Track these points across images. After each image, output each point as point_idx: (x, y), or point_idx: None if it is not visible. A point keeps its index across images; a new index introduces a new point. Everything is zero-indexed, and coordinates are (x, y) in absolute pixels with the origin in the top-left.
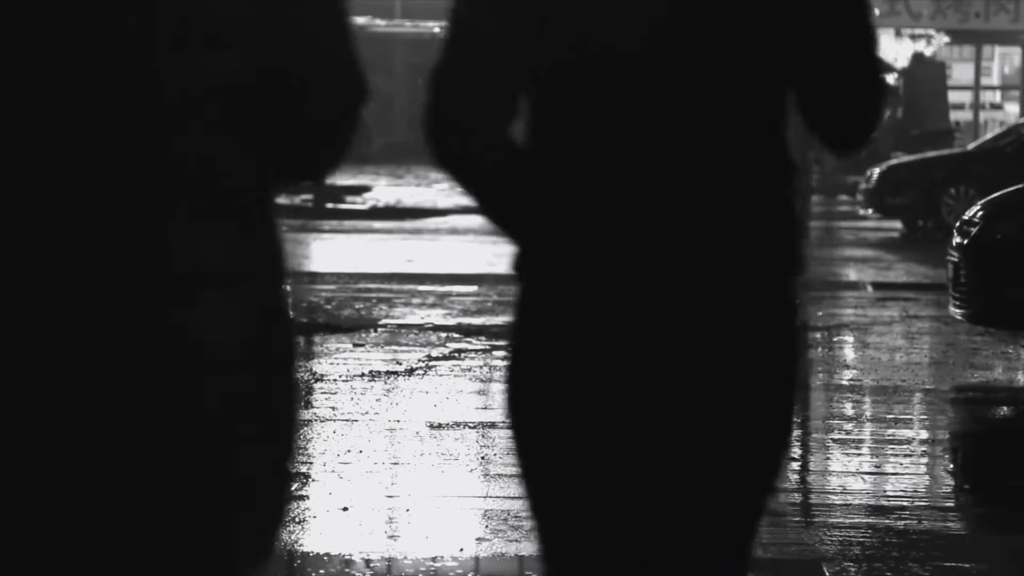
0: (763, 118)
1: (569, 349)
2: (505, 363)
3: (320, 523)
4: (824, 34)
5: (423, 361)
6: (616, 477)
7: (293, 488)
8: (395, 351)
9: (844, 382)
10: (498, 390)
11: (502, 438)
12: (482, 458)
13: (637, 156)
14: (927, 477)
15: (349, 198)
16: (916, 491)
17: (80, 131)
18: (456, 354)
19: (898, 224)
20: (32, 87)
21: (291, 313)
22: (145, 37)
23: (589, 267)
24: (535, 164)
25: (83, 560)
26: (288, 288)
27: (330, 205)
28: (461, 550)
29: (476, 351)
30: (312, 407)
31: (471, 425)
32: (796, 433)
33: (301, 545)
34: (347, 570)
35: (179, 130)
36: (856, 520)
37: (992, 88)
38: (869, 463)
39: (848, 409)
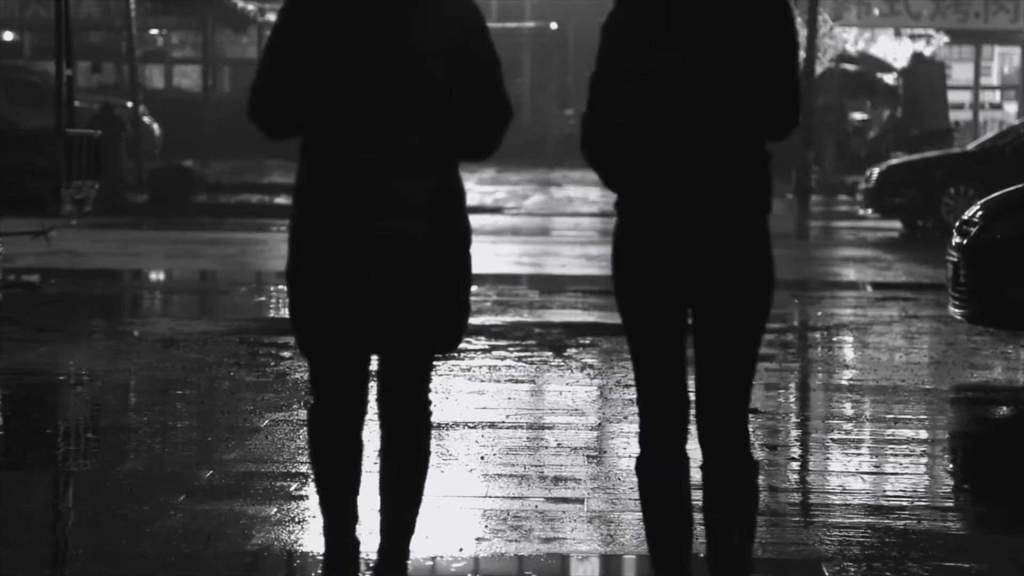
0: (746, 123)
1: (643, 246)
2: (611, 253)
3: (320, 523)
4: (774, 64)
5: None
6: (668, 305)
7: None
8: None
9: (844, 382)
10: (497, 390)
11: (502, 438)
12: (482, 458)
13: (676, 143)
14: (927, 477)
15: None
16: (916, 491)
17: (368, 135)
18: (456, 354)
19: (898, 224)
20: (354, 122)
21: (471, 237)
22: (391, 97)
23: (652, 207)
24: (632, 144)
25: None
26: (469, 222)
27: None
28: (461, 550)
29: (476, 351)
30: None
31: (471, 425)
32: (796, 433)
33: (301, 545)
34: None
35: (413, 134)
36: (856, 520)
37: (992, 88)
38: (869, 463)
39: (848, 409)
